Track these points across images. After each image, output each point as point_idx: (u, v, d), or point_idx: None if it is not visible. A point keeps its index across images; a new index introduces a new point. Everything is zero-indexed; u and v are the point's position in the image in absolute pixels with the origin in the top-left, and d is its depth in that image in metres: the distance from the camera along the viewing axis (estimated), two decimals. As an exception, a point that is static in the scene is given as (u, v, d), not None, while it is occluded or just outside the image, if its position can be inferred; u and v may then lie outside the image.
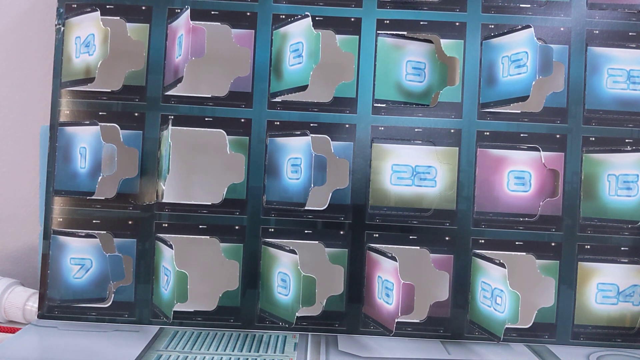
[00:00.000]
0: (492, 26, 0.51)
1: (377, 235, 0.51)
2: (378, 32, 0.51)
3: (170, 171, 0.49)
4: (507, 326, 0.47)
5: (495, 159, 0.51)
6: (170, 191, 0.51)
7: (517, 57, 0.49)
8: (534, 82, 0.47)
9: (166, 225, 0.51)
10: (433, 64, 0.52)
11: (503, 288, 0.46)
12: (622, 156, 0.50)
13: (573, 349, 0.50)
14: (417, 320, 0.51)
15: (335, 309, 0.51)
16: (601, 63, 0.51)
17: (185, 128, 0.51)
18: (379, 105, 0.51)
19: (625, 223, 0.50)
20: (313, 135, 0.50)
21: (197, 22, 0.50)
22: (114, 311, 0.51)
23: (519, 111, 0.51)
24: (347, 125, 0.51)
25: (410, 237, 0.51)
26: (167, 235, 0.50)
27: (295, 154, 0.50)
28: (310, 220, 0.51)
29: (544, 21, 0.51)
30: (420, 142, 0.51)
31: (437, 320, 0.51)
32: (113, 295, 0.51)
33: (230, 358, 0.45)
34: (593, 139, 0.51)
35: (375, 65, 0.51)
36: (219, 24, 0.51)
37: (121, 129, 0.51)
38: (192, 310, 0.51)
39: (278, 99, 0.51)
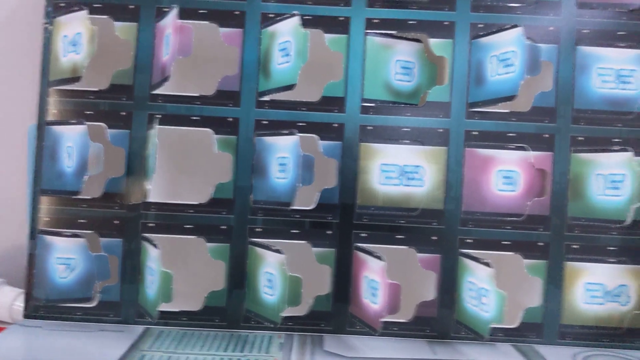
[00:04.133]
0: (481, 25, 0.51)
1: (364, 235, 0.51)
2: (367, 31, 0.51)
3: (157, 170, 0.49)
4: (494, 326, 0.47)
5: (483, 158, 0.51)
6: (157, 191, 0.51)
7: (505, 56, 0.49)
8: (521, 82, 0.47)
9: (152, 225, 0.51)
10: (422, 64, 0.52)
11: (488, 288, 0.46)
12: (609, 156, 0.50)
13: (560, 349, 0.50)
14: (404, 320, 0.51)
15: (322, 309, 0.51)
16: (590, 62, 0.51)
17: (172, 127, 0.50)
18: (367, 104, 0.51)
19: (612, 223, 0.50)
20: (301, 134, 0.49)
21: (184, 20, 0.50)
22: (100, 311, 0.51)
23: (507, 111, 0.51)
24: (335, 125, 0.51)
25: (398, 236, 0.51)
26: (154, 235, 0.50)
27: (282, 153, 0.49)
28: (298, 220, 0.51)
29: (533, 20, 0.51)
30: (408, 141, 0.51)
31: (424, 320, 0.51)
32: (99, 295, 0.51)
33: (214, 358, 0.45)
34: (581, 138, 0.51)
35: (364, 64, 0.51)
36: (207, 22, 0.51)
37: (108, 128, 0.50)
38: (177, 310, 0.51)
39: (266, 98, 0.51)
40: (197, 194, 0.51)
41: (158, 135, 0.49)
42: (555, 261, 0.51)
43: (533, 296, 0.51)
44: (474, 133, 0.51)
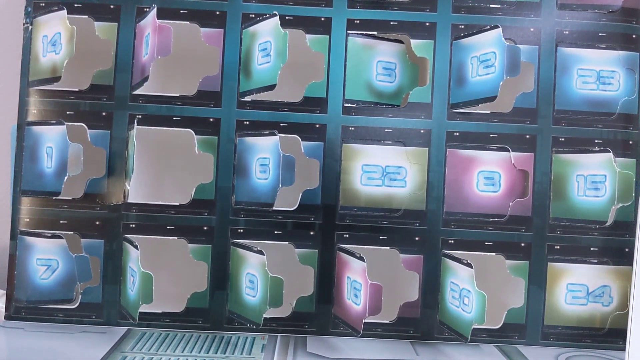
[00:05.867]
0: (462, 26, 0.51)
1: (347, 235, 0.51)
2: (348, 31, 0.51)
3: (136, 171, 0.49)
4: (477, 326, 0.47)
5: (465, 159, 0.51)
6: (137, 191, 0.51)
7: (485, 57, 0.49)
8: (501, 83, 0.47)
9: (134, 225, 0.50)
10: (403, 64, 0.52)
11: (470, 288, 0.46)
12: (590, 156, 0.50)
13: (542, 349, 0.50)
14: (388, 321, 0.51)
15: (305, 310, 0.51)
16: (571, 63, 0.51)
17: (153, 127, 0.50)
18: (349, 105, 0.51)
19: (593, 223, 0.50)
20: (282, 135, 0.49)
21: (165, 20, 0.49)
22: (82, 312, 0.51)
23: (488, 111, 0.51)
24: (317, 125, 0.51)
25: (381, 237, 0.51)
26: (135, 236, 0.50)
27: (263, 154, 0.49)
28: (280, 221, 0.51)
29: (514, 21, 0.51)
30: (390, 142, 0.51)
31: (407, 321, 0.51)
32: (80, 296, 0.50)
33: (195, 359, 0.45)
34: (563, 139, 0.51)
35: (345, 65, 0.51)
36: (188, 22, 0.51)
37: (89, 129, 0.50)
38: (160, 311, 0.50)
39: (247, 99, 0.51)
40: (178, 195, 0.51)
41: (137, 135, 0.48)
42: (537, 262, 0.51)
43: (516, 297, 0.51)
44: (455, 134, 0.51)
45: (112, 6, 0.51)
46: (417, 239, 0.51)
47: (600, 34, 0.51)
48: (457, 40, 0.51)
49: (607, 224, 0.50)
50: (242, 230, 0.51)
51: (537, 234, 0.51)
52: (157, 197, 0.52)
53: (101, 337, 0.48)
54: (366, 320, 0.47)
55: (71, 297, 0.50)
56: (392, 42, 0.52)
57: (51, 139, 0.50)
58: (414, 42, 0.51)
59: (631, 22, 0.51)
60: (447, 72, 0.51)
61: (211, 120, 0.51)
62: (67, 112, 0.50)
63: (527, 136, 0.51)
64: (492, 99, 0.48)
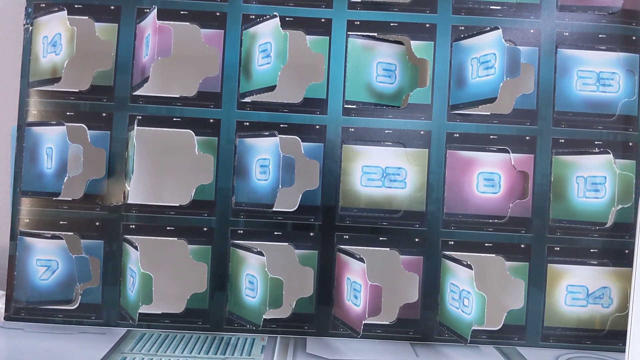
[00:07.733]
0: (462, 28, 0.51)
1: (347, 236, 0.51)
2: (348, 33, 0.51)
3: (136, 172, 0.49)
4: (477, 328, 0.47)
5: (465, 160, 0.51)
6: (137, 192, 0.51)
7: (485, 58, 0.49)
8: (501, 84, 0.47)
9: (133, 226, 0.50)
10: (404, 66, 0.52)
11: (470, 290, 0.46)
12: (590, 158, 0.50)
13: (542, 351, 0.50)
14: (387, 322, 0.51)
15: (305, 311, 0.51)
16: (571, 65, 0.51)
17: (153, 128, 0.50)
18: (349, 106, 0.51)
19: (593, 225, 0.50)
20: (282, 136, 0.49)
21: (165, 21, 0.49)
22: (81, 313, 0.51)
23: (488, 113, 0.51)
24: (317, 127, 0.51)
25: (380, 238, 0.51)
26: (135, 236, 0.50)
27: (263, 155, 0.49)
28: (280, 222, 0.51)
29: (514, 23, 0.51)
30: (390, 143, 0.51)
31: (407, 322, 0.51)
32: (80, 297, 0.50)
33: (195, 360, 0.45)
34: (562, 140, 0.51)
35: (345, 66, 0.51)
36: (188, 23, 0.51)
37: (89, 130, 0.50)
38: (160, 312, 0.50)
39: (247, 100, 0.51)
40: (178, 196, 0.51)
41: (137, 136, 0.49)
42: (537, 263, 0.51)
43: (516, 298, 0.51)
44: (455, 135, 0.51)
45: (112, 7, 0.51)
46: (417, 240, 0.51)
47: (600, 36, 0.51)
48: (457, 42, 0.51)
49: (607, 226, 0.50)
50: (242, 231, 0.51)
51: (537, 235, 0.51)
52: (157, 198, 0.52)
53: (101, 337, 0.48)
54: (366, 322, 0.47)
55: (71, 298, 0.50)
56: (392, 43, 0.52)
57: (51, 139, 0.50)
58: (414, 44, 0.51)
59: (631, 24, 0.51)
60: (447, 74, 0.51)
61: (211, 121, 0.51)
62: (67, 113, 0.51)
63: (527, 137, 0.51)
64: (492, 100, 0.48)
